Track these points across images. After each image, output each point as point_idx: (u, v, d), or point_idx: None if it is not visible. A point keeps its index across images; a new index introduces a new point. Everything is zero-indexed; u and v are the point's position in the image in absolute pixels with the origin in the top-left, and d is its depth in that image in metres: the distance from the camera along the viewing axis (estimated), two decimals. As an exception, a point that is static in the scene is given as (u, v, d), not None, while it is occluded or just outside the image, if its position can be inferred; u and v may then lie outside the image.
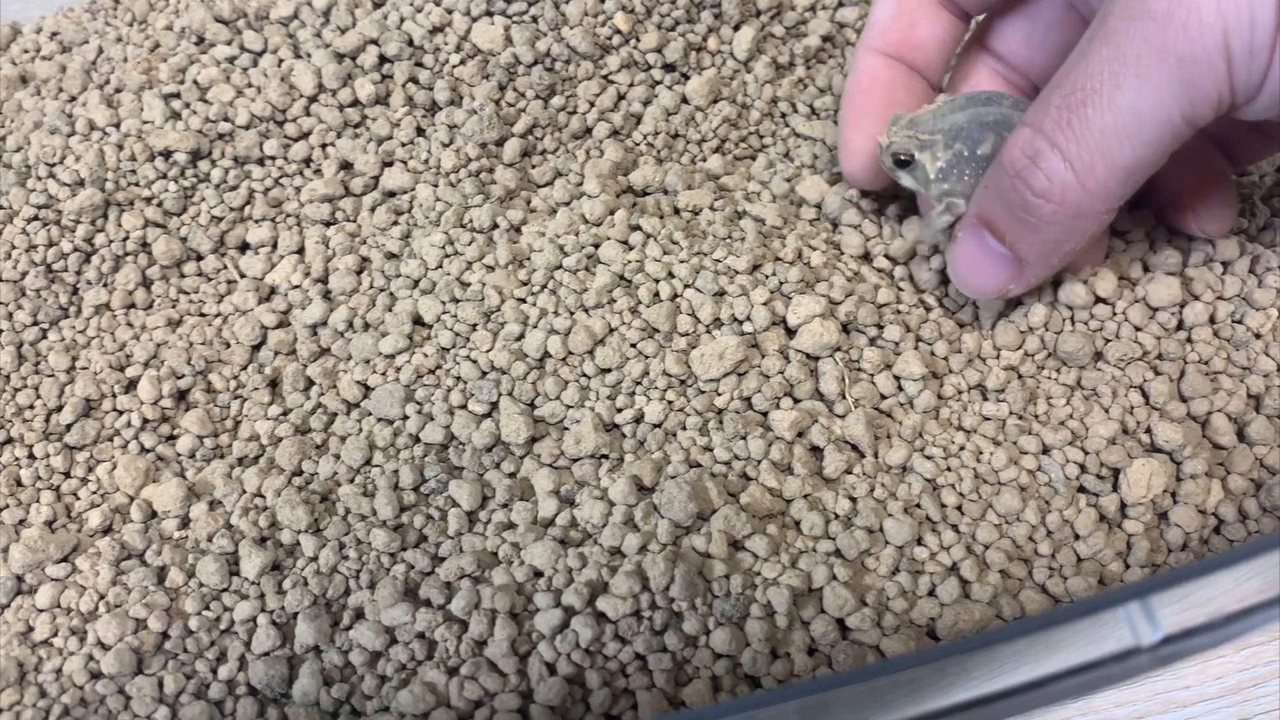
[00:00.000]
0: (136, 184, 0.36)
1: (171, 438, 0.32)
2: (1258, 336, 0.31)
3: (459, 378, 0.31)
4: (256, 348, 0.34)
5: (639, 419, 0.30)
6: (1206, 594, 0.18)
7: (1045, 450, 0.29)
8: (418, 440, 0.31)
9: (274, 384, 0.33)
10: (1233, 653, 0.40)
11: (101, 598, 0.29)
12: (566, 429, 0.30)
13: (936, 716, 0.18)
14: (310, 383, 0.33)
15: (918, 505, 0.28)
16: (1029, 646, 0.19)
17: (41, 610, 0.28)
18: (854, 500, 0.28)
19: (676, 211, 0.34)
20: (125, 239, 0.35)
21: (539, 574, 0.28)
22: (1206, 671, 0.40)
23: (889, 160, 0.30)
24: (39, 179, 0.35)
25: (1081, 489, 0.29)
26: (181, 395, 0.33)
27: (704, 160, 0.37)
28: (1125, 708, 0.40)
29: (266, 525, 0.29)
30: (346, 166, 0.37)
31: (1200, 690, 0.40)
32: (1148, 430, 0.29)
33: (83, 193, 0.35)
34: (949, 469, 0.29)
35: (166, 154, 0.36)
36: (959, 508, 0.28)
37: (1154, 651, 0.18)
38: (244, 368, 0.33)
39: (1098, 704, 0.41)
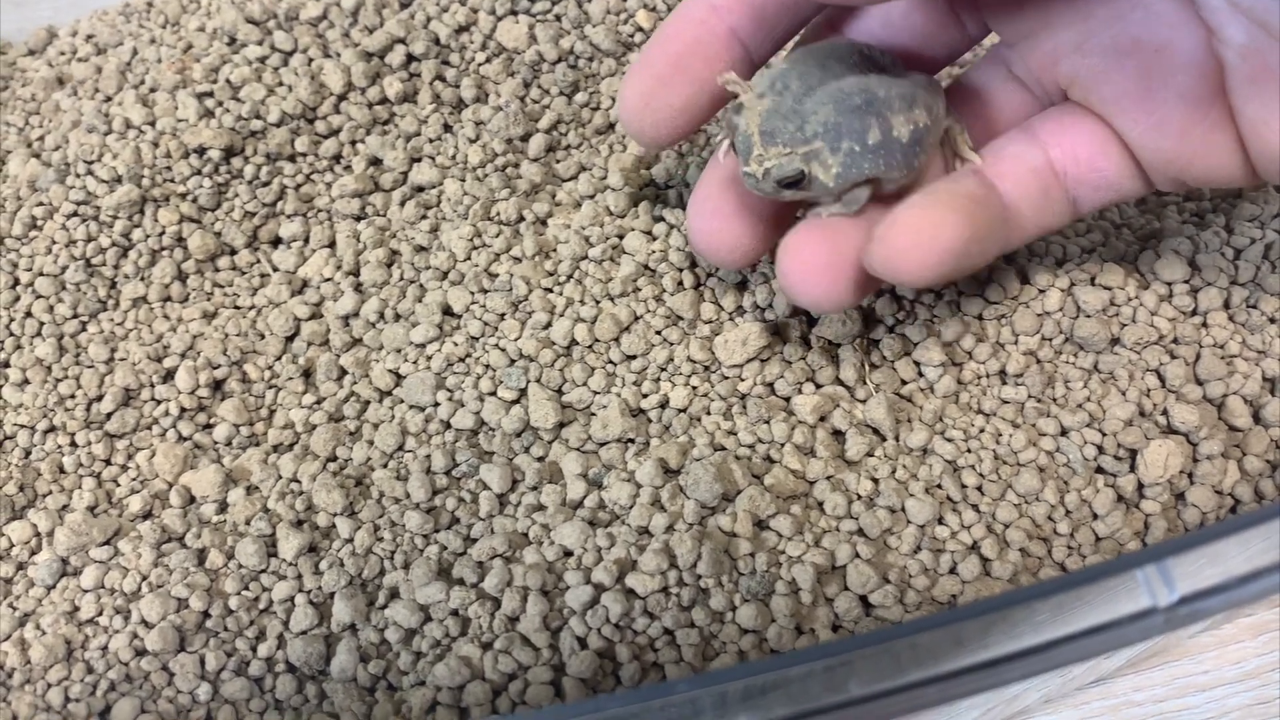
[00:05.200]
0: (172, 180, 0.37)
1: (208, 426, 0.33)
2: (1272, 321, 0.31)
3: (488, 365, 0.32)
4: (290, 339, 0.35)
5: (664, 404, 0.31)
6: (1222, 557, 0.19)
7: (1064, 432, 0.30)
8: (449, 426, 0.31)
9: (308, 374, 0.34)
10: (1250, 638, 0.41)
11: (144, 579, 0.29)
12: (593, 414, 0.31)
13: (953, 676, 0.19)
14: (343, 372, 0.33)
15: (938, 486, 0.29)
16: (1046, 609, 0.19)
17: (86, 591, 0.29)
18: (876, 481, 0.29)
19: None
20: (161, 234, 0.36)
21: (569, 553, 0.28)
22: (1225, 656, 0.41)
23: (769, 186, 0.26)
24: (78, 176, 0.36)
25: (1099, 470, 0.29)
26: (217, 385, 0.34)
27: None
28: (1144, 692, 0.41)
29: (303, 509, 0.30)
30: (376, 162, 0.38)
31: (1218, 674, 0.40)
32: (1164, 412, 0.30)
33: (120, 189, 0.36)
34: (969, 450, 0.30)
35: (201, 151, 0.37)
36: (979, 488, 0.29)
37: (1170, 612, 0.18)
38: (278, 358, 0.34)
39: (1116, 689, 0.41)
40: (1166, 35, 0.25)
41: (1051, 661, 0.18)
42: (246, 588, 0.29)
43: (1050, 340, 0.31)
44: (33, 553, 0.31)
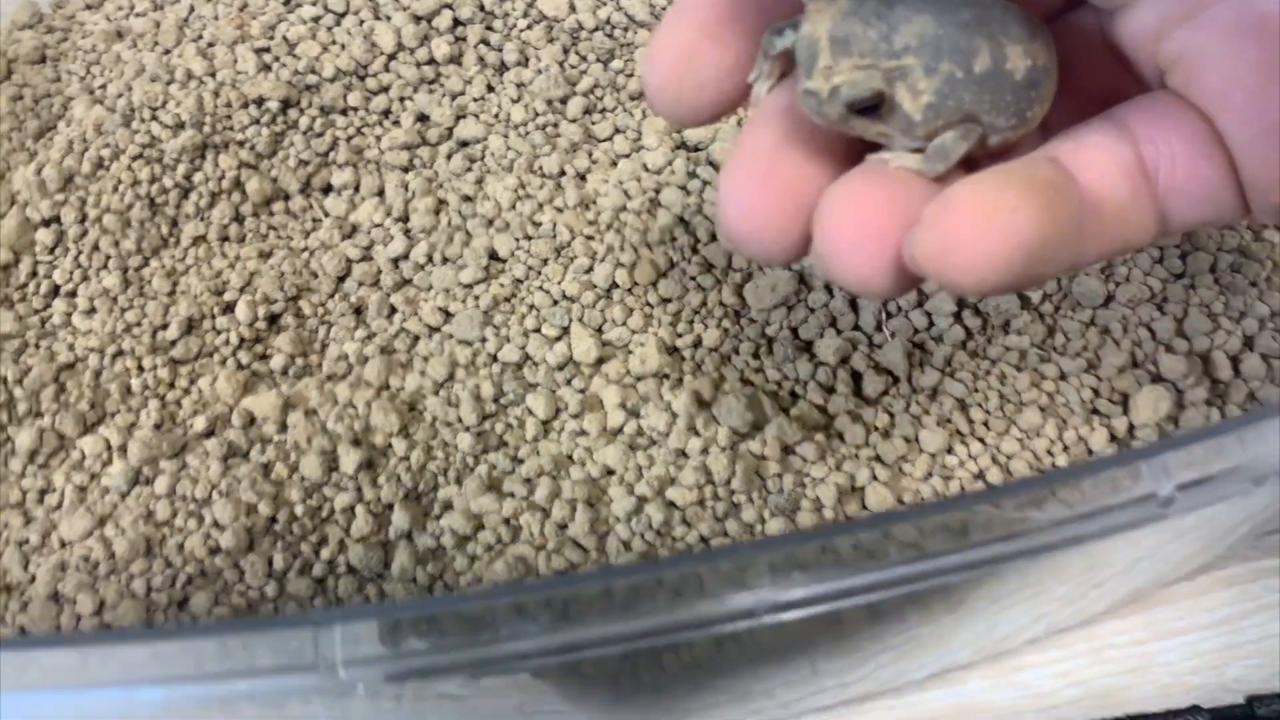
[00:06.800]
0: (231, 128, 0.39)
1: (265, 357, 0.36)
2: (1253, 285, 0.34)
3: (533, 305, 0.34)
4: (342, 279, 0.37)
5: (698, 344, 0.33)
6: (1217, 452, 0.22)
7: (1063, 376, 0.32)
8: (495, 359, 0.34)
9: (359, 311, 0.36)
10: (1223, 589, 0.44)
11: (214, 487, 0.32)
12: (631, 352, 0.33)
13: (979, 544, 0.21)
14: (393, 310, 0.36)
15: (948, 420, 0.32)
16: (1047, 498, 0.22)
17: (160, 496, 0.32)
18: (891, 415, 0.32)
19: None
20: (221, 178, 0.38)
21: (611, 471, 0.31)
22: (1199, 604, 0.44)
23: (838, 110, 0.19)
24: (143, 121, 0.39)
25: (1094, 411, 0.32)
26: (273, 320, 0.36)
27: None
28: (1124, 635, 0.44)
29: (360, 430, 0.33)
30: (423, 119, 0.40)
31: (1193, 620, 0.43)
32: (1154, 362, 0.33)
33: (183, 134, 0.38)
34: (976, 390, 0.32)
35: (259, 102, 0.39)
36: (985, 423, 0.32)
37: (1167, 501, 0.21)
38: (330, 296, 0.37)
39: (1099, 632, 0.44)
40: None
41: (1062, 537, 0.21)
42: (309, 497, 0.31)
43: (1051, 296, 0.34)
44: (104, 465, 0.33)
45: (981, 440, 0.32)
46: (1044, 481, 0.22)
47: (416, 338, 0.35)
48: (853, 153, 0.21)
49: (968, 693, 0.42)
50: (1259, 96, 0.19)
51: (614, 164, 0.38)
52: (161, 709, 0.19)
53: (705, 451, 0.31)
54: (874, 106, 0.19)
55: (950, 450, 0.31)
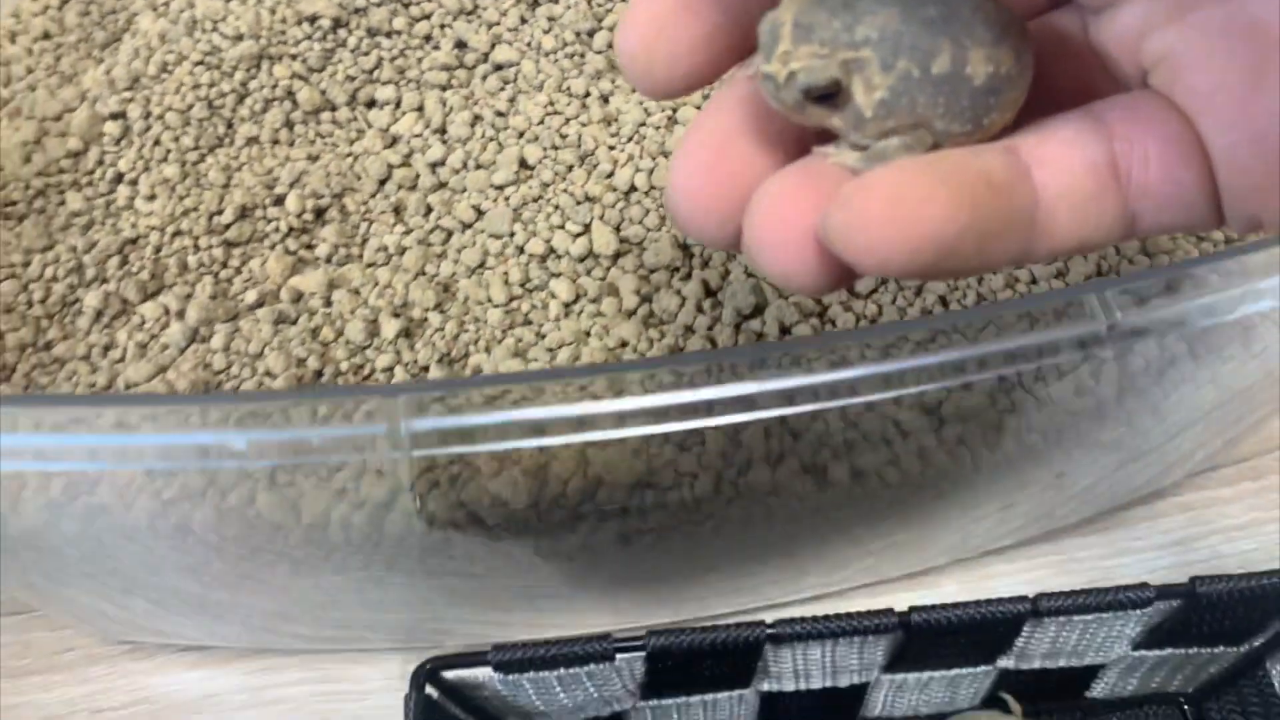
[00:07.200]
0: (285, 43, 0.42)
1: (310, 246, 0.39)
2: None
3: (558, 206, 0.38)
4: (383, 182, 0.40)
5: (707, 242, 0.37)
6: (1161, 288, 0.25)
7: (1034, 281, 0.36)
8: (523, 251, 0.37)
9: (398, 210, 0.40)
10: (1180, 514, 0.48)
11: (265, 344, 0.35)
12: (645, 248, 0.37)
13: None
14: (430, 209, 0.39)
15: (930, 312, 0.35)
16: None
17: (216, 351, 0.35)
18: (880, 308, 0.35)
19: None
20: (275, 86, 0.42)
21: (625, 343, 0.34)
22: (1155, 527, 0.48)
23: (793, 95, 0.19)
24: (204, 31, 0.42)
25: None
26: (319, 214, 0.39)
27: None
28: (1087, 551, 0.47)
29: (399, 305, 0.36)
30: (461, 45, 0.44)
31: (1149, 541, 0.47)
32: (1117, 272, 0.36)
33: (242, 44, 0.41)
34: (956, 288, 0.36)
35: (312, 19, 0.43)
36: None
37: (1113, 334, 0.25)
38: (372, 196, 0.40)
39: (1064, 547, 0.48)
40: None
41: (1018, 350, 0.24)
42: (353, 357, 0.35)
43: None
44: (163, 327, 0.36)
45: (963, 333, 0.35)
46: (998, 307, 0.25)
47: (450, 233, 0.38)
48: (807, 144, 0.21)
49: (940, 595, 0.45)
50: (1245, 101, 0.19)
51: (633, 90, 0.42)
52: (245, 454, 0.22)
53: (711, 328, 0.34)
54: (830, 95, 0.19)
55: (933, 339, 0.35)
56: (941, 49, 0.19)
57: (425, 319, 0.36)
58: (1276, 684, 0.39)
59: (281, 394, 0.29)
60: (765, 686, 0.38)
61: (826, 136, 0.20)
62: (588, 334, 0.35)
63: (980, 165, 0.19)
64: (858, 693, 0.39)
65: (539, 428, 0.23)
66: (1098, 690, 0.41)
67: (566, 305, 0.36)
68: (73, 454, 0.22)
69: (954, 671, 0.39)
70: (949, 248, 0.18)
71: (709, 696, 0.38)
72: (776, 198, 0.19)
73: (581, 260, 0.37)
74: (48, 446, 0.22)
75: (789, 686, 0.38)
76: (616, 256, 0.37)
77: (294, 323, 0.36)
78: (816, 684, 0.38)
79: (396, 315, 0.36)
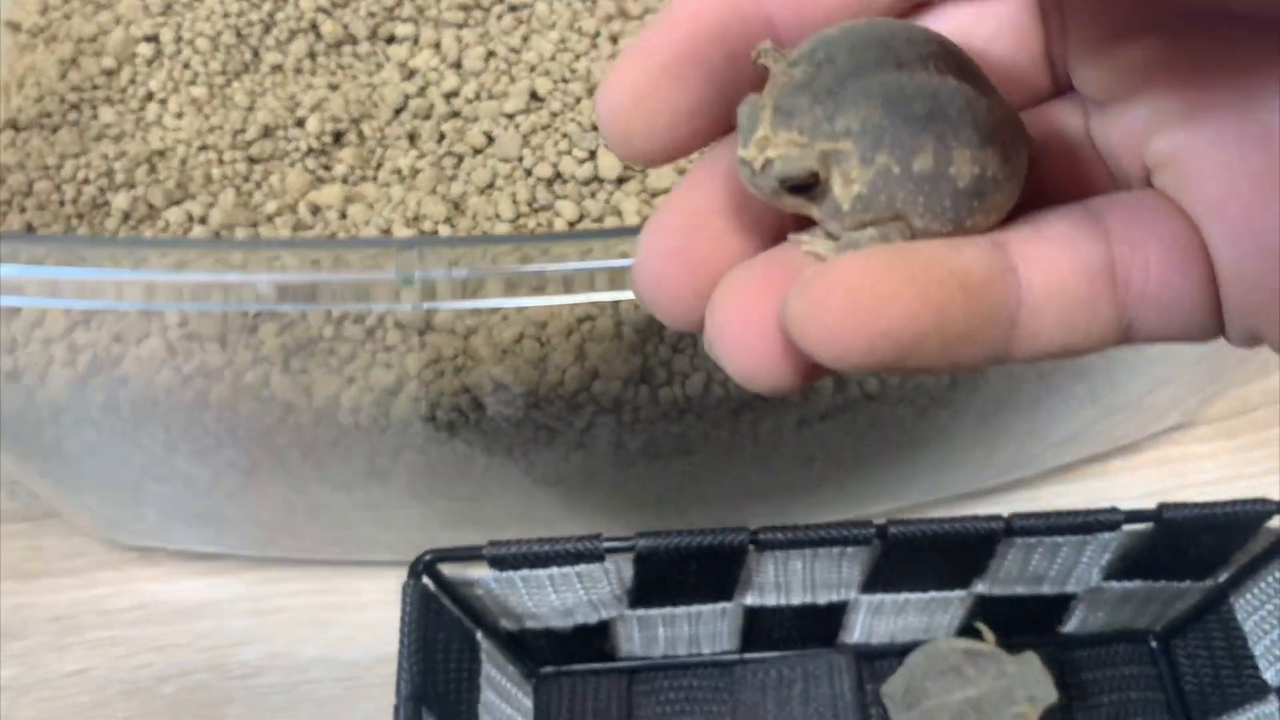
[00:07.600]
0: (312, -22, 0.44)
1: (328, 167, 0.41)
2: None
3: (565, 134, 0.40)
4: (399, 111, 0.42)
5: (706, 171, 0.39)
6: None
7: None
8: (531, 174, 0.39)
9: (412, 137, 0.41)
10: (1156, 467, 0.49)
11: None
12: (648, 174, 0.39)
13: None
14: (443, 136, 0.41)
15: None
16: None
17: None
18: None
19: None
20: (300, 18, 0.44)
21: (626, 255, 0.36)
22: (1134, 477, 0.50)
23: (769, 184, 0.18)
24: (235, -36, 0.44)
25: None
26: (338, 137, 0.41)
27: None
28: (1065, 499, 0.49)
29: (411, 217, 0.38)
30: (479, -12, 0.46)
31: (1127, 492, 0.49)
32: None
33: (270, -22, 0.43)
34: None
35: (339, -42, 0.45)
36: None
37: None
38: (389, 123, 0.42)
39: (1043, 494, 0.49)
40: None
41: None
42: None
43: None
44: (187, 231, 0.38)
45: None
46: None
47: (462, 157, 0.40)
48: (784, 228, 0.19)
49: (920, 533, 0.47)
50: (1256, 211, 0.18)
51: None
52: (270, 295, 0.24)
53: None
54: (807, 186, 0.18)
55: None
56: (924, 146, 0.18)
57: (436, 230, 0.38)
58: (1241, 620, 0.41)
59: (306, 241, 0.31)
60: (748, 600, 0.40)
61: (806, 221, 0.19)
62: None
63: (957, 262, 0.18)
64: (837, 613, 0.41)
65: (541, 284, 0.24)
66: (1070, 624, 0.43)
67: (571, 224, 0.38)
68: (104, 291, 0.24)
69: (930, 595, 0.40)
70: (913, 348, 0.17)
71: (694, 609, 0.40)
72: (741, 289, 0.18)
73: (586, 184, 0.39)
74: (88, 281, 0.24)
75: (770, 600, 0.40)
76: (620, 181, 0.39)
77: (311, 230, 0.38)
78: (797, 599, 0.40)
79: (409, 226, 0.37)
